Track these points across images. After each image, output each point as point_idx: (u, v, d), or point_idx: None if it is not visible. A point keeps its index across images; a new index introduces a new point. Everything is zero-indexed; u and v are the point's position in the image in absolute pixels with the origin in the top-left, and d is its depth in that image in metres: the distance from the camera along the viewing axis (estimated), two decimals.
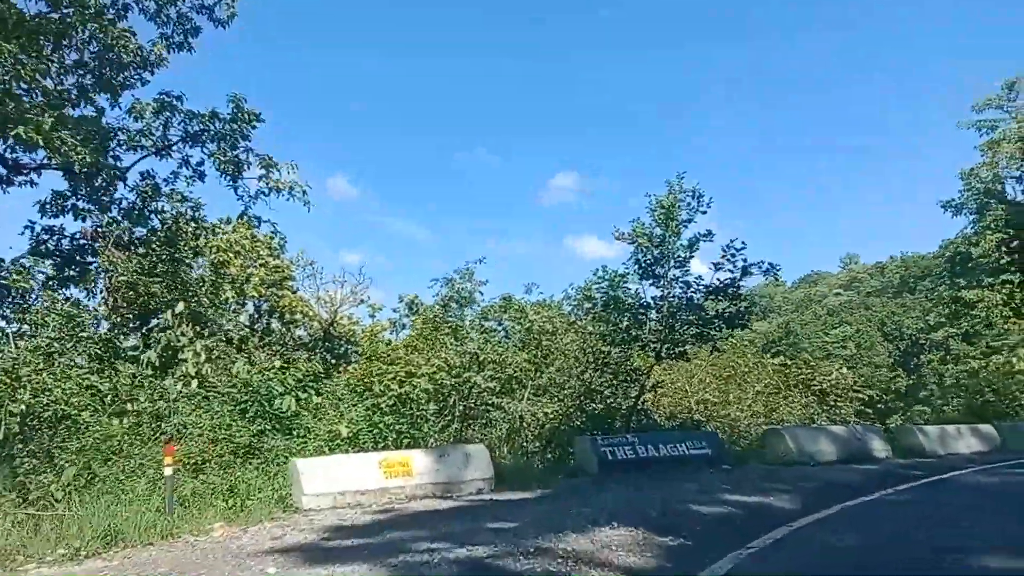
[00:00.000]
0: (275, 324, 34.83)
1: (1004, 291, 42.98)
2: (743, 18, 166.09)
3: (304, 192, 19.58)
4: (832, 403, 22.11)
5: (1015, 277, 43.25)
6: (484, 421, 17.41)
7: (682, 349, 18.37)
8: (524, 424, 18.10)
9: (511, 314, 19.24)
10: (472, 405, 16.60)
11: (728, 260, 17.57)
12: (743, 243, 17.43)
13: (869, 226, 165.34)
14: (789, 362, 24.32)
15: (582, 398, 18.50)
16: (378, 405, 15.15)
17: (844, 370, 23.10)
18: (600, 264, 17.01)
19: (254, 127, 18.81)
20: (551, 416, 17.99)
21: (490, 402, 17.32)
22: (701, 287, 18.03)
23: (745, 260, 17.46)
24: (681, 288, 18.20)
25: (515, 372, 17.53)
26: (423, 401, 15.67)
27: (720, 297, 17.86)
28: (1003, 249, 43.62)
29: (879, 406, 22.89)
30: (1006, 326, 41.83)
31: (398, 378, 15.59)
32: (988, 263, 44.86)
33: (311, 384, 16.39)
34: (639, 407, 18.46)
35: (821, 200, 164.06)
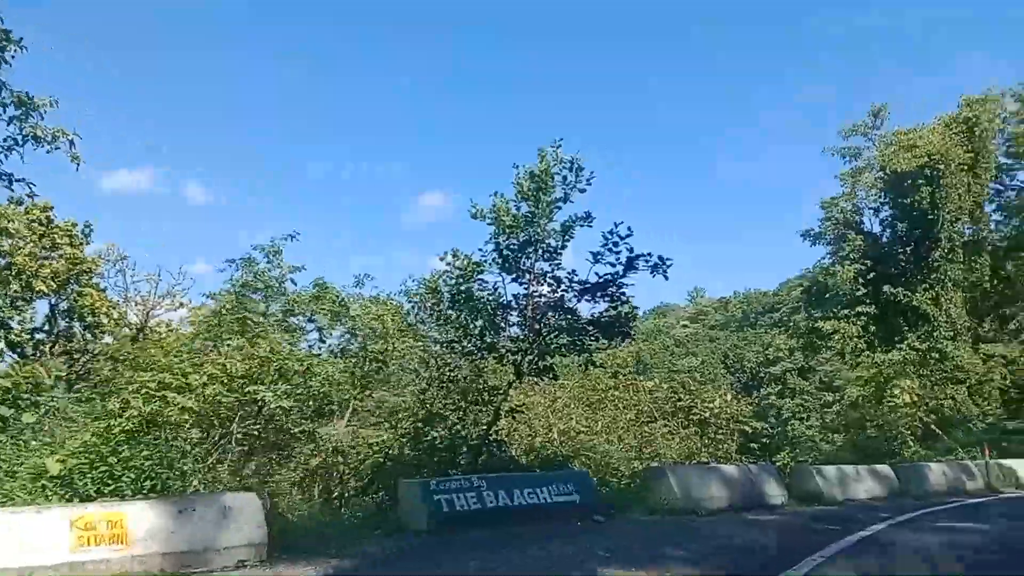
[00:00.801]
0: (76, 327, 28.84)
1: (860, 323, 42.09)
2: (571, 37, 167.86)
3: (72, 143, 14.03)
4: (712, 435, 18.77)
5: (870, 309, 42.49)
6: (283, 455, 12.54)
7: (548, 363, 14.22)
8: (342, 459, 13.37)
9: (328, 307, 14.36)
10: (260, 433, 11.65)
11: (610, 250, 13.60)
12: (629, 229, 13.57)
13: (717, 259, 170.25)
14: (665, 386, 20.89)
15: (420, 425, 13.92)
16: (110, 429, 10.04)
17: (728, 397, 19.69)
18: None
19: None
20: (376, 448, 13.33)
21: (291, 429, 12.45)
22: (575, 284, 13.93)
23: (631, 250, 13.57)
24: (551, 285, 14.07)
25: (328, 387, 12.71)
26: (184, 425, 10.66)
27: (598, 297, 13.83)
28: (859, 280, 42.88)
29: (764, 440, 19.78)
30: (859, 359, 40.74)
31: (146, 391, 10.50)
32: (845, 294, 44.03)
33: (25, 397, 11.14)
34: (492, 438, 14.03)
35: (675, 232, 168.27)
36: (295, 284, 14.85)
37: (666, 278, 13.66)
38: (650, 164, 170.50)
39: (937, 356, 38.16)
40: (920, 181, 38.83)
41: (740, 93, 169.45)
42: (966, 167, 38.95)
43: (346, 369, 13.93)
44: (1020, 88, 40.87)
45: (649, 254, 13.62)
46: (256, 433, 11.61)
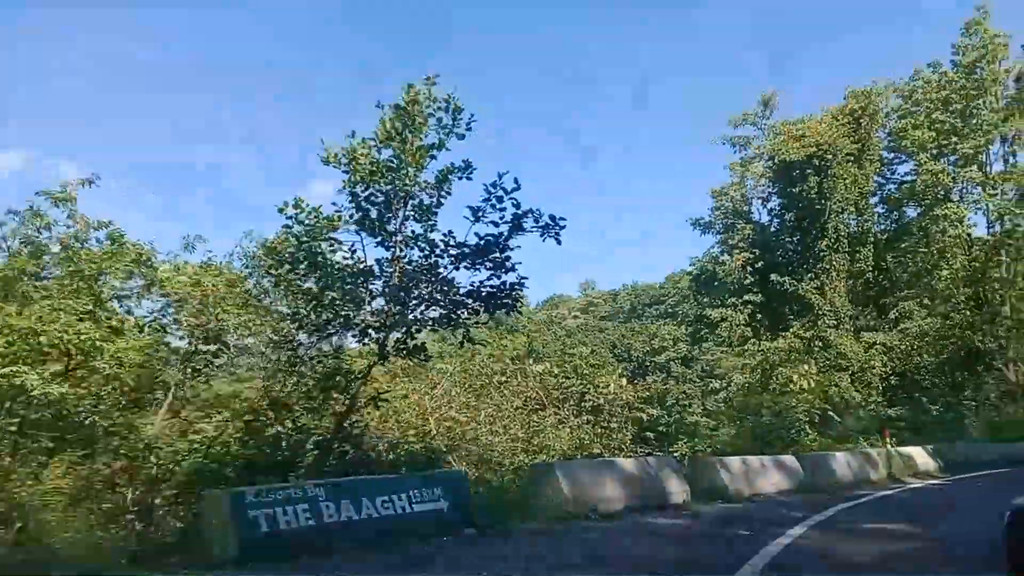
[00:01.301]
0: None
1: (747, 311, 41.49)
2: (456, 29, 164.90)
3: None
4: (606, 424, 16.69)
5: (757, 297, 41.97)
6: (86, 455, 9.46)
7: (419, 341, 11.63)
8: (155, 461, 10.40)
9: (123, 267, 11.13)
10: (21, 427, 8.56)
11: (493, 206, 11.13)
12: (516, 181, 11.14)
13: (610, 252, 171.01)
14: (557, 370, 18.69)
15: (254, 417, 11.07)
16: None
17: (623, 381, 17.56)
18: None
19: None
20: (198, 447, 10.41)
21: (81, 421, 9.38)
22: (452, 248, 11.36)
23: (517, 207, 11.16)
24: (422, 249, 11.45)
25: (125, 370, 9.70)
26: None
27: (479, 263, 11.33)
28: (747, 269, 42.31)
29: (660, 429, 17.89)
30: (746, 347, 40.11)
31: None
32: (733, 282, 43.38)
33: None
34: (346, 433, 11.29)
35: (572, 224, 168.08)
36: (99, 243, 11.60)
37: (558, 241, 11.32)
38: (542, 153, 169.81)
39: (821, 344, 37.92)
40: (808, 171, 38.39)
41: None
42: (852, 158, 38.82)
43: (158, 348, 10.97)
44: (903, 83, 41.14)
45: (539, 211, 11.26)
46: (15, 428, 8.53)
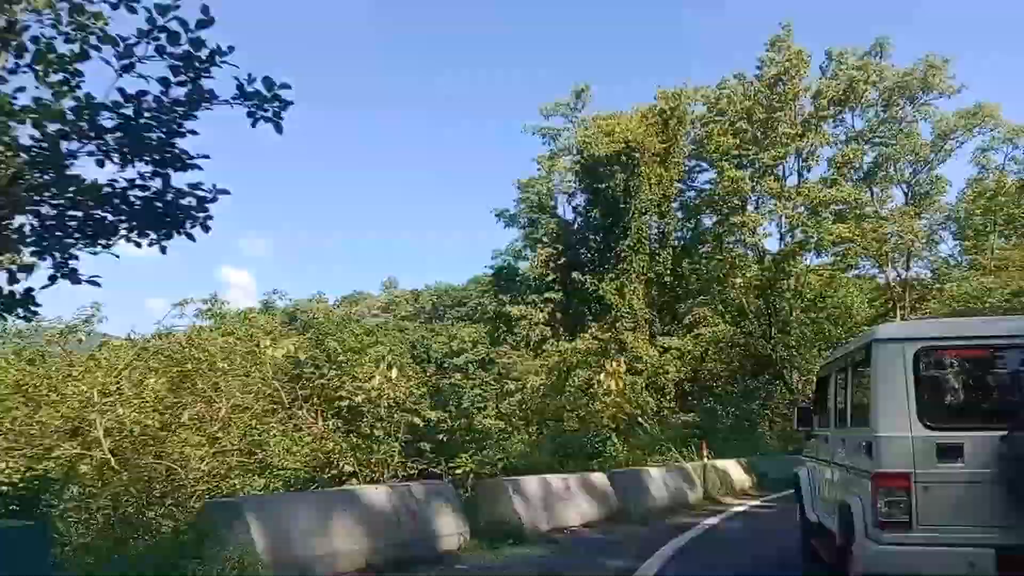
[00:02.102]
0: None
1: (547, 309, 38.62)
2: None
3: None
4: (368, 432, 12.02)
5: (558, 296, 39.23)
6: None
7: (15, 275, 6.41)
8: None
9: None
10: None
11: (158, 43, 6.18)
12: (206, 12, 6.26)
13: (413, 250, 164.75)
14: (304, 355, 13.59)
15: None
16: None
17: (393, 372, 12.75)
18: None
19: None
20: None
21: None
22: (84, 118, 6.24)
23: (203, 58, 6.27)
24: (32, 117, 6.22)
25: None
26: None
27: (130, 147, 6.28)
28: (550, 265, 39.50)
29: (441, 437, 13.56)
30: (545, 346, 37.17)
31: None
32: (534, 279, 40.44)
33: None
34: None
35: (371, 221, 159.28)
36: None
37: (278, 128, 6.54)
38: (346, 146, 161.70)
39: (618, 347, 35.76)
40: (615, 168, 36.15)
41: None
42: (659, 159, 37.08)
43: None
44: (710, 91, 40.20)
45: (250, 76, 6.44)
46: None
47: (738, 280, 38.48)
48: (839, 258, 38.14)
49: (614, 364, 18.07)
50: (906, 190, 44.14)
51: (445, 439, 12.17)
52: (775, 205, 37.95)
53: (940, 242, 48.90)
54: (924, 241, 47.15)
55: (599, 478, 11.79)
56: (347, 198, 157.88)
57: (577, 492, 11.03)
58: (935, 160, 42.88)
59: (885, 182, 42.55)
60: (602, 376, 17.99)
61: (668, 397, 35.24)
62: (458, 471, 11.71)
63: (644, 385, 34.99)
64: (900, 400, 5.46)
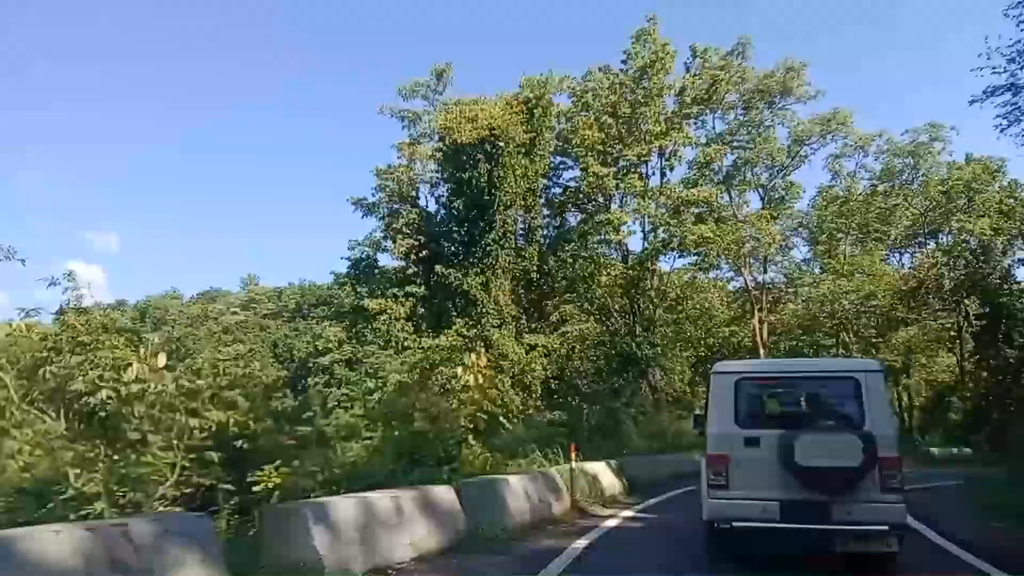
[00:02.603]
0: None
1: (408, 304, 35.68)
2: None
3: None
4: (138, 436, 8.57)
5: (420, 290, 36.38)
6: None
7: None
8: None
9: None
10: None
11: None
12: None
13: (275, 247, 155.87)
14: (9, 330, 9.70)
15: None
16: None
17: (160, 358, 8.85)
18: None
19: None
20: None
21: None
22: None
23: None
24: None
25: None
26: None
27: None
28: (411, 257, 36.58)
29: (239, 444, 10.28)
30: (406, 343, 34.25)
31: None
32: (395, 272, 37.41)
33: None
34: None
35: (228, 215, 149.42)
36: None
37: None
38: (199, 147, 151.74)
39: (484, 344, 33.42)
40: (479, 156, 33.81)
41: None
42: (524, 150, 35.04)
43: None
44: (575, 83, 38.66)
45: None
46: None
47: (603, 278, 37.13)
48: (700, 258, 37.54)
49: (473, 357, 15.54)
50: (762, 194, 44.63)
51: (246, 445, 9.13)
52: (639, 204, 36.83)
53: (793, 248, 50.27)
54: (779, 246, 48.12)
55: (443, 493, 9.16)
56: (205, 192, 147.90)
57: (413, 514, 8.37)
58: (791, 166, 43.56)
59: (743, 185, 42.71)
60: (459, 371, 15.45)
61: (535, 395, 33.30)
62: (257, 489, 8.71)
63: (510, 383, 32.95)
64: (725, 410, 8.16)
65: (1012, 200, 39.46)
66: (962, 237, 36.42)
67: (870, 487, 7.57)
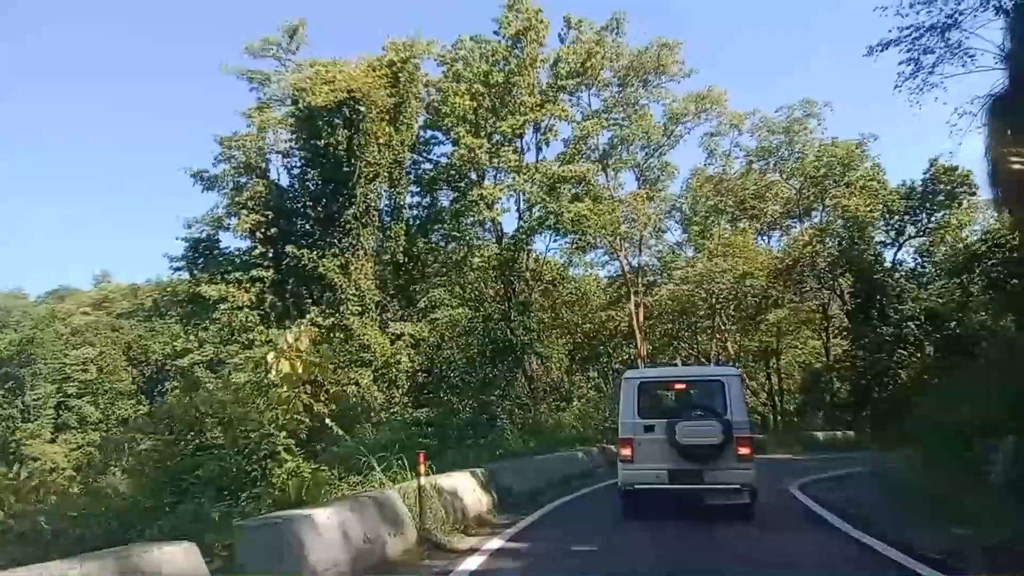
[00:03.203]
0: None
1: (255, 289, 30.73)
2: None
3: None
4: None
5: (268, 274, 31.46)
6: None
7: None
8: None
9: None
10: None
11: None
12: None
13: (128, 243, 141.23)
14: None
15: None
16: None
17: None
18: None
19: None
20: None
21: None
22: None
23: None
24: None
25: None
26: None
27: None
28: (258, 236, 31.60)
29: None
30: (252, 335, 29.39)
31: None
32: (239, 253, 32.30)
33: None
34: None
35: (76, 210, 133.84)
36: None
37: None
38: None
39: (343, 335, 29.17)
40: (337, 121, 29.49)
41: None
42: (388, 117, 30.93)
43: None
44: (446, 51, 34.85)
45: None
46: None
47: (476, 260, 33.64)
48: (578, 236, 34.68)
49: (290, 338, 11.50)
50: (638, 174, 42.53)
51: None
52: (514, 180, 33.53)
53: (667, 231, 48.70)
54: (654, 229, 46.30)
55: (180, 555, 5.23)
56: (50, 187, 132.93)
57: None
58: (666, 145, 41.65)
59: (619, 164, 40.30)
60: (270, 356, 11.36)
61: (401, 391, 29.37)
62: None
63: (372, 378, 28.86)
64: (630, 406, 10.96)
65: (875, 183, 39.26)
66: (837, 214, 35.51)
67: (729, 457, 10.18)
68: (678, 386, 12.12)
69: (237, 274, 29.89)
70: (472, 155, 32.09)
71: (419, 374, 30.20)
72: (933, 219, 37.66)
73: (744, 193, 39.75)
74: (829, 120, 48.74)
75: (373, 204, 30.69)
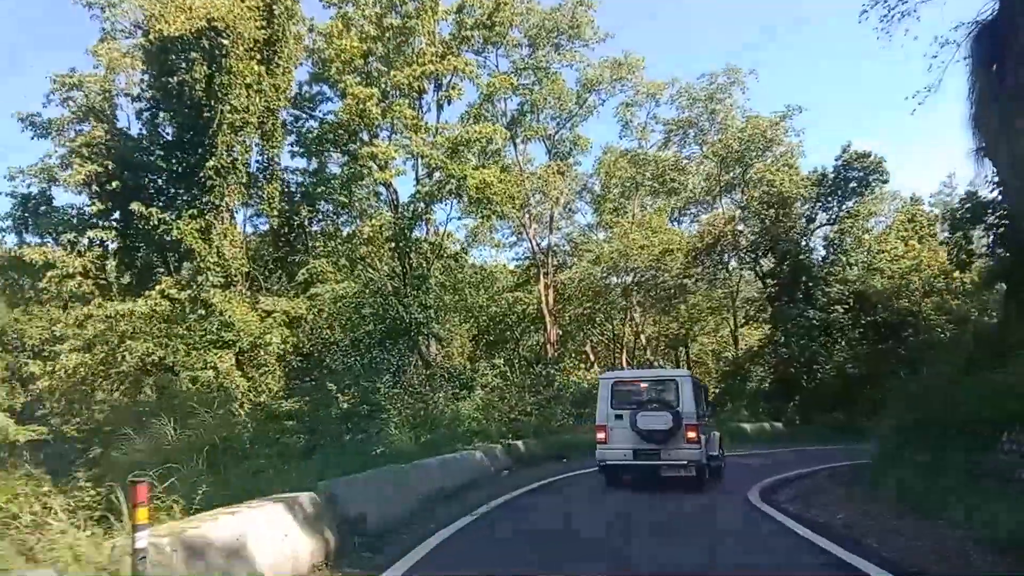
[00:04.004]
0: None
1: (93, 254, 24.96)
2: None
3: None
4: None
5: (109, 236, 25.67)
6: None
7: None
8: None
9: None
10: None
11: None
12: None
13: None
14: None
15: None
16: None
17: None
18: None
19: None
20: None
21: None
22: None
23: None
24: None
25: None
26: None
27: None
28: (95, 190, 25.74)
29: None
30: (88, 309, 23.70)
31: None
32: (73, 211, 26.33)
33: None
34: None
35: None
36: None
37: None
38: None
39: (203, 310, 23.97)
40: (195, 55, 24.08)
41: None
42: (259, 56, 25.68)
43: None
44: None
45: None
46: None
47: (367, 228, 28.86)
48: (483, 204, 30.39)
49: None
50: (549, 147, 38.67)
51: None
52: (411, 140, 28.88)
53: (577, 212, 45.24)
54: (565, 209, 42.71)
55: None
56: None
57: None
58: (579, 115, 37.96)
59: (529, 132, 36.25)
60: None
61: (273, 376, 24.41)
62: None
63: (233, 361, 23.83)
64: (605, 400, 13.34)
65: (787, 167, 36.68)
66: (763, 188, 32.71)
67: (679, 439, 12.44)
68: (641, 384, 14.09)
69: (69, 235, 24.07)
70: (361, 108, 27.24)
71: (294, 358, 25.26)
72: (844, 207, 35.31)
73: (664, 164, 36.44)
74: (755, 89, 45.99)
75: (241, 159, 25.40)
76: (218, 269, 24.46)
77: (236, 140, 25.13)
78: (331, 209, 32.11)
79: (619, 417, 12.84)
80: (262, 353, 24.28)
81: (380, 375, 22.51)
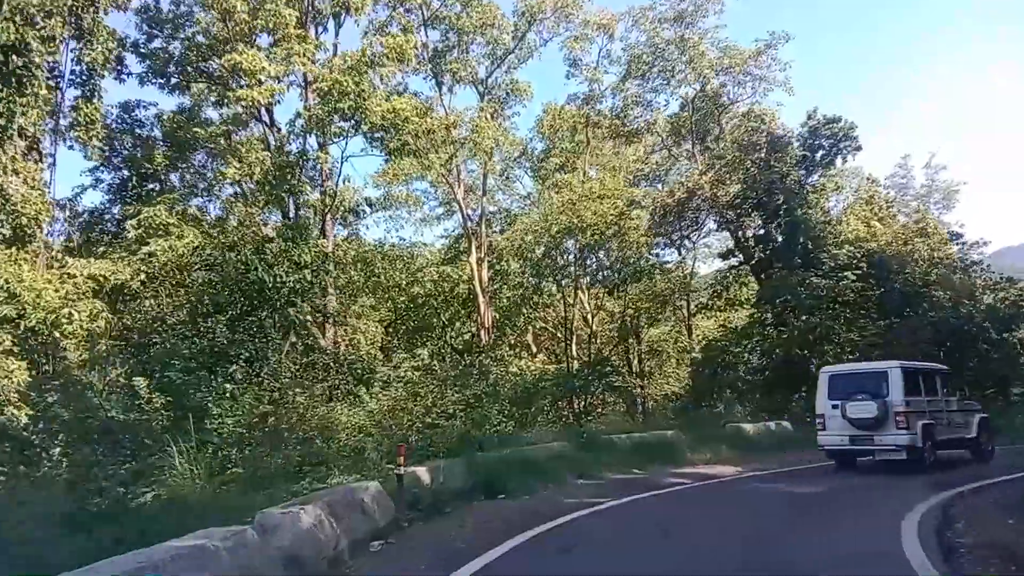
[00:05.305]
0: None
1: None
2: None
3: None
4: None
5: None
6: None
7: None
8: None
9: None
10: None
11: None
12: None
13: None
14: None
15: None
16: None
17: None
18: None
19: None
20: None
21: None
22: None
23: None
24: None
25: None
26: None
27: None
28: None
29: None
30: None
31: None
32: None
33: None
34: None
35: None
36: None
37: None
38: None
39: None
40: None
41: None
42: None
43: None
44: None
45: None
46: None
47: (232, 169, 20.75)
48: (397, 145, 22.63)
49: None
50: (481, 91, 31.15)
51: None
52: (297, 55, 21.00)
53: (516, 180, 37.92)
54: (501, 174, 35.39)
55: None
56: None
57: None
58: (518, 56, 30.54)
59: (454, 67, 28.47)
60: None
61: (78, 360, 16.36)
62: None
63: (12, 342, 15.71)
64: (823, 390, 13.59)
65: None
66: (750, 125, 25.99)
67: (889, 426, 12.38)
68: (854, 376, 13.63)
69: None
70: (226, 4, 19.31)
71: (109, 337, 17.11)
72: (810, 180, 28.81)
73: (626, 97, 29.05)
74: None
75: (38, 63, 17.13)
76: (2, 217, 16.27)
77: (30, 35, 16.87)
78: (205, 159, 24.21)
79: (835, 407, 12.86)
80: (55, 333, 16.11)
81: (225, 364, 14.56)
